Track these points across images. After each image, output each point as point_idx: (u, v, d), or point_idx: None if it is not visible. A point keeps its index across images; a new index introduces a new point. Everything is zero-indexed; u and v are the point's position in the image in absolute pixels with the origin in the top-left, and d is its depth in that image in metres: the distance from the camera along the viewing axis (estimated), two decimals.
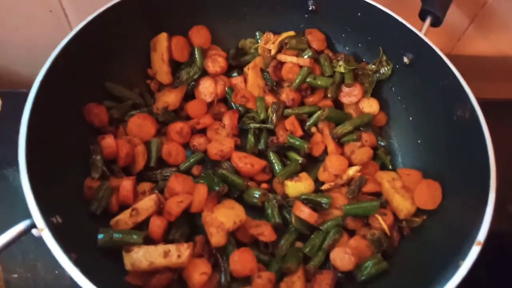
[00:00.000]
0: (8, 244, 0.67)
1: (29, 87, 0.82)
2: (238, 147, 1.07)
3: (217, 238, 0.83)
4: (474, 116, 0.89)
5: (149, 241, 0.83)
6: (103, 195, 0.86)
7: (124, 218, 0.85)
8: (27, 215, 0.69)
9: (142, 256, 0.77)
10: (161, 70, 1.09)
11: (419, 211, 0.95)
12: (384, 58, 1.11)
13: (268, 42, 1.16)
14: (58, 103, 0.87)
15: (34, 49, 1.23)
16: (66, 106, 0.90)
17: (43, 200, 0.70)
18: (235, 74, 1.16)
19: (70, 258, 0.65)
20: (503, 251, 1.13)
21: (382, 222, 0.92)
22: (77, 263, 0.66)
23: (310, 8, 1.16)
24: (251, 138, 1.07)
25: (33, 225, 0.68)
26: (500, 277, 1.08)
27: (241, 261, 0.82)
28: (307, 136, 1.10)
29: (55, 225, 0.70)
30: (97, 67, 1.00)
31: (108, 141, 0.92)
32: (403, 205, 0.94)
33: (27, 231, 0.69)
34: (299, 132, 1.09)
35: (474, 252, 0.72)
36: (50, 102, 0.85)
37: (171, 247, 0.79)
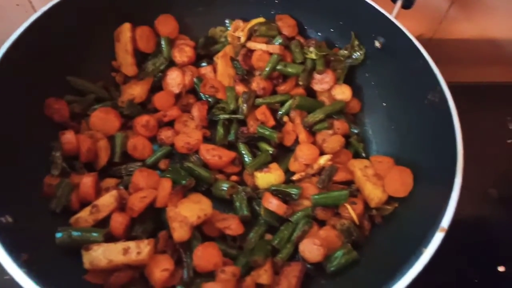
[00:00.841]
0: None
1: None
2: (208, 139, 1.04)
3: (179, 233, 0.81)
4: (444, 100, 0.87)
5: (110, 238, 0.81)
6: (62, 193, 0.84)
7: (84, 215, 0.82)
8: None
9: (101, 254, 0.76)
10: (126, 61, 1.06)
11: (390, 199, 0.93)
12: (356, 42, 1.08)
13: (237, 30, 1.13)
14: (14, 96, 0.85)
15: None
16: (24, 100, 0.88)
17: None
18: (204, 63, 1.13)
19: (18, 258, 0.63)
20: (484, 233, 1.13)
21: (351, 211, 0.90)
22: (27, 263, 0.64)
23: None
24: (220, 129, 1.04)
25: None
26: (482, 259, 1.08)
27: (204, 256, 0.80)
28: (279, 125, 1.07)
29: (3, 225, 0.67)
30: (57, 59, 0.97)
31: (68, 137, 0.89)
32: (374, 193, 0.92)
33: None
34: (271, 122, 1.06)
35: (437, 239, 0.70)
36: (4, 94, 0.82)
37: (131, 244, 0.77)
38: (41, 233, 0.78)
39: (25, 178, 0.82)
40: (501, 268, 1.06)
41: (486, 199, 1.18)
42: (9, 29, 1.18)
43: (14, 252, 0.63)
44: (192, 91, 1.11)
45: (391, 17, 1.00)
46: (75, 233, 0.79)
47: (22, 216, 0.74)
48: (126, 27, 1.05)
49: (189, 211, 0.84)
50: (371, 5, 1.02)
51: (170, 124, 1.05)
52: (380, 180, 0.94)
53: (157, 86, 1.09)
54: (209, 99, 1.09)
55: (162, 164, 0.99)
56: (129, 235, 0.83)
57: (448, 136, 0.84)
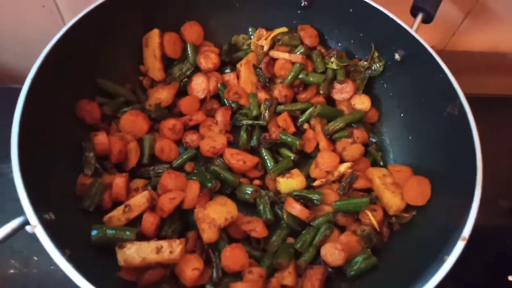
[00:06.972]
0: (2, 241, 0.68)
1: (23, 83, 0.81)
2: (230, 144, 1.07)
3: (208, 234, 0.84)
4: (463, 113, 0.90)
5: (141, 237, 0.84)
6: (96, 192, 0.87)
7: (117, 214, 0.85)
8: (22, 211, 0.69)
9: (134, 252, 0.78)
10: (153, 66, 1.09)
11: (408, 207, 0.96)
12: (376, 54, 1.12)
13: (260, 38, 1.16)
14: (50, 99, 0.88)
15: (27, 44, 1.22)
16: (58, 103, 0.91)
17: (36, 197, 0.70)
18: (227, 70, 1.16)
19: (64, 254, 0.66)
20: (495, 243, 1.16)
21: (372, 218, 0.93)
22: (71, 259, 0.67)
23: (302, 4, 1.16)
24: (243, 134, 1.07)
25: (27, 222, 0.68)
26: (492, 269, 1.11)
27: (232, 256, 0.83)
28: (299, 132, 1.11)
29: (48, 222, 0.70)
30: (89, 63, 1.00)
31: (100, 138, 0.92)
32: (393, 201, 0.95)
33: (20, 228, 0.70)
34: (292, 129, 1.09)
35: (458, 247, 0.73)
36: (42, 98, 0.85)
37: (163, 243, 0.80)
38: (76, 231, 0.81)
39: (60, 176, 0.85)
40: (511, 278, 1.09)
41: (497, 210, 1.21)
42: (36, 30, 1.22)
43: (60, 248, 0.66)
44: (216, 96, 1.15)
45: (412, 31, 1.03)
46: (109, 231, 0.81)
47: (60, 214, 0.76)
48: (155, 33, 1.08)
49: (217, 213, 0.87)
50: (392, 18, 1.05)
51: (195, 128, 1.09)
52: (398, 189, 0.97)
53: (182, 91, 1.12)
54: (232, 105, 1.12)
55: (188, 167, 1.02)
56: (159, 234, 0.86)
57: (467, 148, 0.87)
